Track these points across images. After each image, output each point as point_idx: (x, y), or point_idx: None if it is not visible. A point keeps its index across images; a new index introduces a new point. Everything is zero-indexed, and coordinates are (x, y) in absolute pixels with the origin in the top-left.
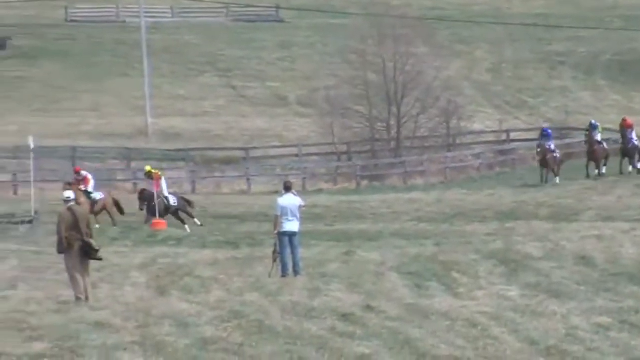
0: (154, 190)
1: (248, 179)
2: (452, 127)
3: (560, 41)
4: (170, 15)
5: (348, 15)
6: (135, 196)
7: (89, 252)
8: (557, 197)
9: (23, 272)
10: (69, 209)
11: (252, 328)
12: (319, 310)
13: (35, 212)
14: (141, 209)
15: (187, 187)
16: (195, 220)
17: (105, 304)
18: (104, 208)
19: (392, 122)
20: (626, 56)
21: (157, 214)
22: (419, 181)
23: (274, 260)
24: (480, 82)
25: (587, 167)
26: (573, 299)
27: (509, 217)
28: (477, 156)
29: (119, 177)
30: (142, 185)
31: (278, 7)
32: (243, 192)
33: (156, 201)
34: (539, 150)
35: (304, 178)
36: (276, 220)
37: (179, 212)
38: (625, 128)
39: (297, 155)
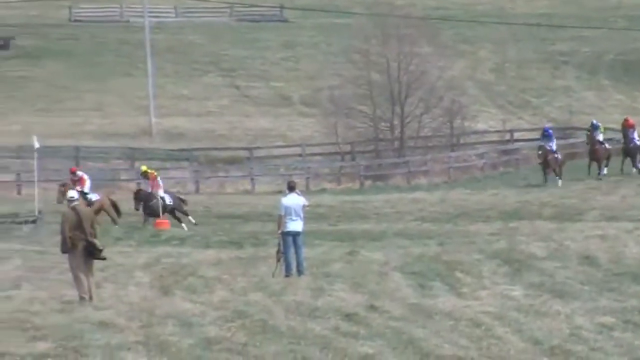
0: (150, 190)
1: (252, 179)
2: (455, 126)
3: (564, 41)
4: (173, 15)
5: (352, 15)
6: None
7: (92, 252)
8: (560, 197)
9: (27, 272)
10: (73, 208)
11: (255, 328)
12: (322, 310)
13: (39, 212)
14: (137, 209)
15: (190, 186)
16: (190, 218)
17: (109, 303)
18: (101, 209)
19: (396, 121)
20: (630, 56)
21: (160, 213)
22: (423, 181)
23: (278, 260)
24: (483, 82)
25: (588, 167)
26: (577, 299)
27: (513, 217)
28: (480, 156)
29: (122, 177)
30: (144, 185)
31: (282, 7)
32: (247, 192)
33: (156, 201)
34: (540, 152)
35: (308, 178)
36: (280, 220)
37: (175, 212)
38: (627, 128)
39: (300, 155)
